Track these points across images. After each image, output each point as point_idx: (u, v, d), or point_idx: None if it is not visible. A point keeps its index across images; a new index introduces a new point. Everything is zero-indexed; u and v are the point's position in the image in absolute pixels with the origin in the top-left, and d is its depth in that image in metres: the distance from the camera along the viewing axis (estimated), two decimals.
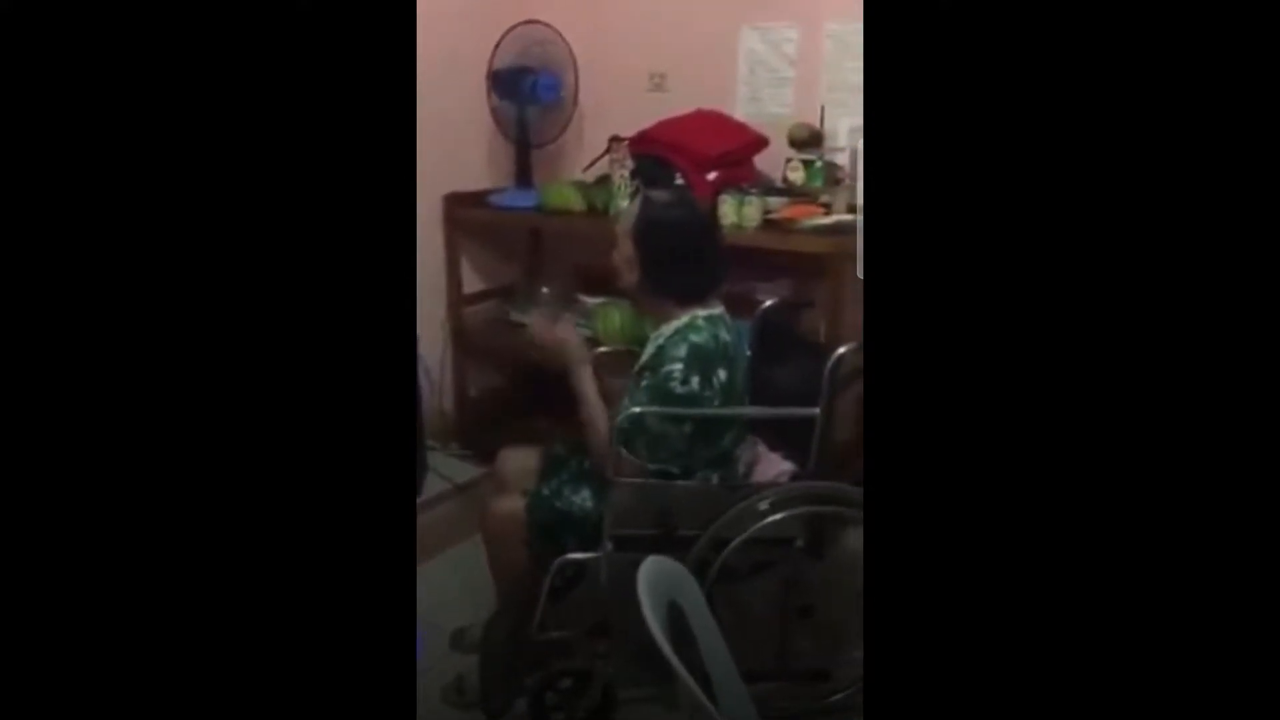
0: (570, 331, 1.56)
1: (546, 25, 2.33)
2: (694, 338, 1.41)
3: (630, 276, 1.48)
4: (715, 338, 1.43)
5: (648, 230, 1.45)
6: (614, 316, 2.23)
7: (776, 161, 2.14)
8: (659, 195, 1.55)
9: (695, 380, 1.39)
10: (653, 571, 0.89)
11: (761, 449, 1.63)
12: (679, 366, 1.39)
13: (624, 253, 1.47)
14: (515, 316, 2.54)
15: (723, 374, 1.42)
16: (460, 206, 2.42)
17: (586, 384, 1.49)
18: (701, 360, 1.40)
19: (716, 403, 1.42)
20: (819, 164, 2.05)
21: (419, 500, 2.21)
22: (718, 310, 1.49)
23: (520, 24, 2.29)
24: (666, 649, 0.76)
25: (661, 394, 1.40)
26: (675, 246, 1.46)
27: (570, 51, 2.35)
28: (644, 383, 1.43)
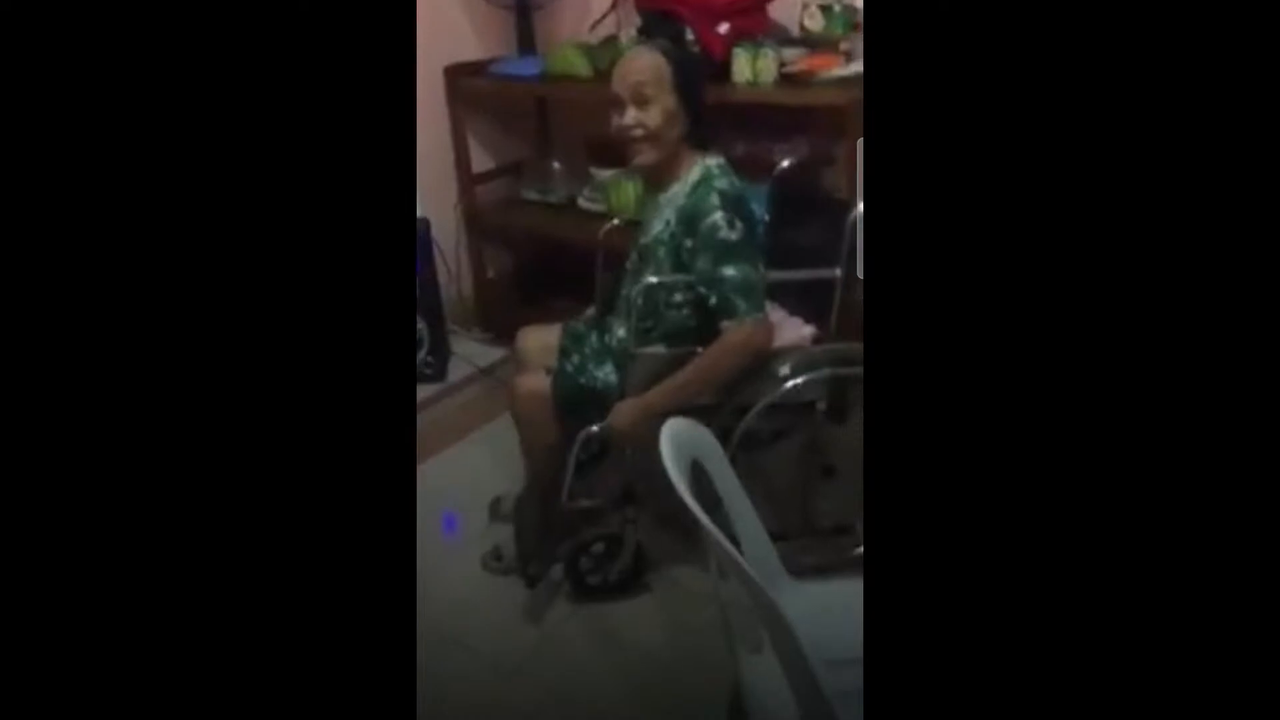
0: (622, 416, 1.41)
1: None
2: (718, 185, 1.37)
3: (672, 131, 1.38)
4: (733, 184, 1.40)
5: (691, 77, 1.38)
6: (627, 189, 2.16)
7: (792, 10, 2.00)
8: (668, 41, 1.48)
9: (739, 225, 1.34)
10: (675, 433, 0.89)
11: (781, 314, 1.61)
12: (719, 214, 1.33)
13: (663, 106, 1.36)
14: (527, 194, 2.48)
15: (748, 214, 1.38)
16: (462, 78, 2.31)
17: (669, 394, 1.37)
18: (735, 204, 1.36)
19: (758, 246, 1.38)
20: (838, 9, 1.91)
21: (445, 385, 2.24)
22: (720, 158, 1.44)
23: None
24: (693, 504, 0.76)
25: (713, 246, 1.33)
26: (701, 91, 1.41)
27: None
28: (706, 253, 1.35)
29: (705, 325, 1.42)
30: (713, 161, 1.42)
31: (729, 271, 1.33)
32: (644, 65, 1.38)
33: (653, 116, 1.37)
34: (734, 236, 1.33)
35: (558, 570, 1.60)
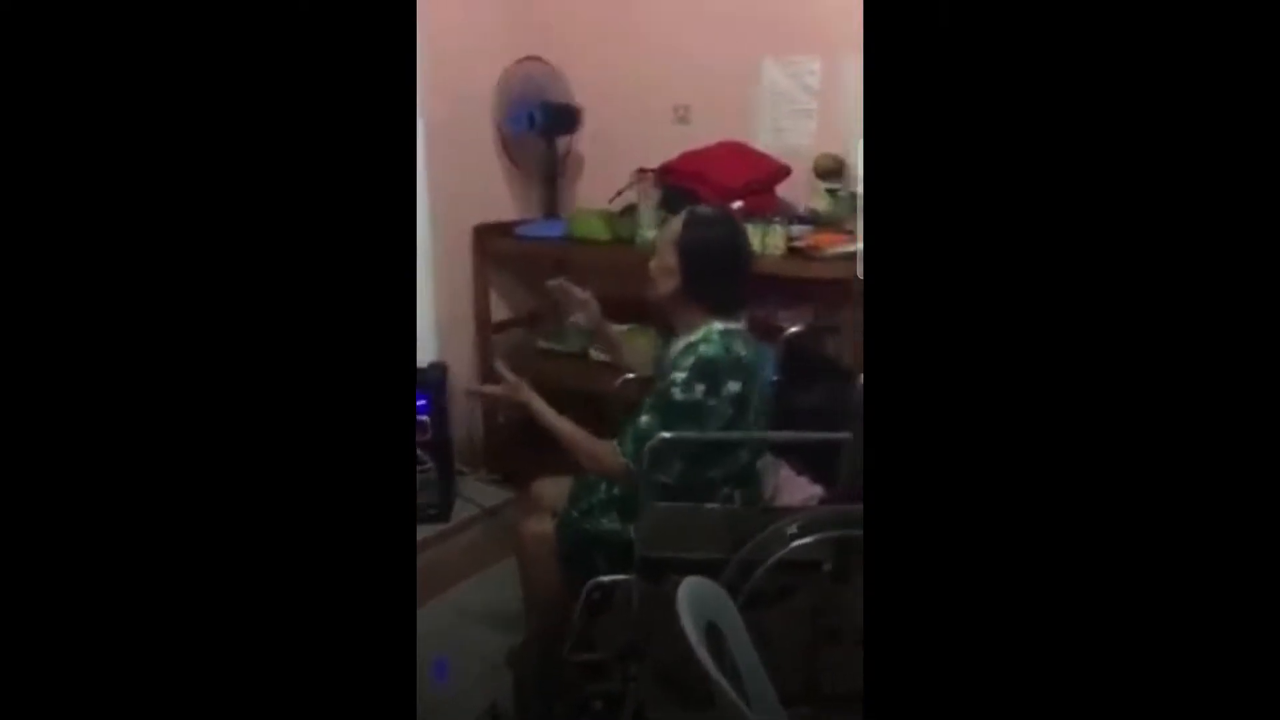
0: (509, 384, 1.62)
1: (544, 62, 2.48)
2: (703, 349, 1.45)
3: (666, 284, 1.52)
4: (727, 349, 1.46)
5: (692, 242, 1.50)
6: (640, 342, 2.26)
7: (799, 191, 2.18)
8: (704, 211, 1.59)
9: (699, 389, 1.42)
10: (692, 592, 0.91)
11: (787, 473, 1.65)
12: (682, 375, 1.43)
13: (665, 262, 1.52)
14: (542, 343, 2.58)
15: (734, 385, 1.44)
16: (489, 237, 2.48)
17: (548, 414, 1.56)
18: (708, 371, 1.43)
19: (728, 413, 1.44)
20: (844, 194, 2.09)
21: (449, 525, 2.24)
22: (736, 325, 1.52)
23: (521, 60, 2.43)
24: (711, 667, 0.78)
25: (662, 404, 1.44)
26: (714, 259, 1.50)
27: (564, 85, 2.49)
28: (648, 399, 1.48)
29: (693, 466, 1.49)
30: (720, 326, 1.49)
31: (643, 419, 1.45)
32: (671, 224, 1.56)
33: (654, 267, 1.54)
34: (678, 397, 1.42)
35: None
